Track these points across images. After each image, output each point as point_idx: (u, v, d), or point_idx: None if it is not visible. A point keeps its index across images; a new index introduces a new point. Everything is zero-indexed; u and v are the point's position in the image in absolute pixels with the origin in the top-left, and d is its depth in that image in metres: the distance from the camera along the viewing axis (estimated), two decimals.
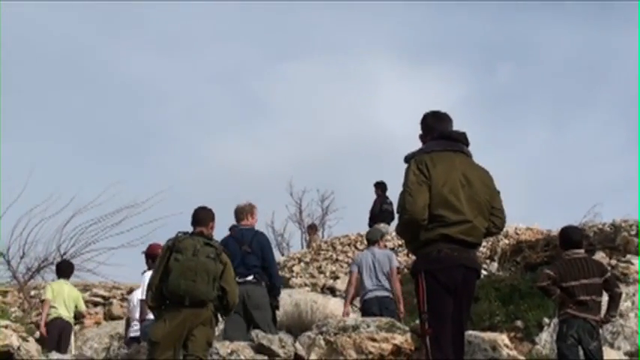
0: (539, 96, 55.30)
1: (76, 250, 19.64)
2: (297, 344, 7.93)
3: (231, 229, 9.34)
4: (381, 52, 57.92)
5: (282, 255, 23.38)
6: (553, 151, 52.05)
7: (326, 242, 21.12)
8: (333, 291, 16.12)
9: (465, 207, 5.50)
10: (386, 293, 10.28)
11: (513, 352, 7.96)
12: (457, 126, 5.96)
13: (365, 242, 19.16)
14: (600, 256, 12.22)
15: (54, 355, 9.26)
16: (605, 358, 7.91)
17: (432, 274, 5.46)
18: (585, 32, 59.19)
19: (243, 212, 9.40)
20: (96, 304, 18.04)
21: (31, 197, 20.38)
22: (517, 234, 17.15)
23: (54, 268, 17.11)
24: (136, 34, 57.41)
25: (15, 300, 18.22)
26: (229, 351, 7.77)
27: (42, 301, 12.65)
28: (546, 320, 10.34)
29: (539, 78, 55.56)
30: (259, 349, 7.83)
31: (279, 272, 11.67)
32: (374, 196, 17.71)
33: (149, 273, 10.48)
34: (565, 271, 7.90)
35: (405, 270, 13.21)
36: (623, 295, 8.75)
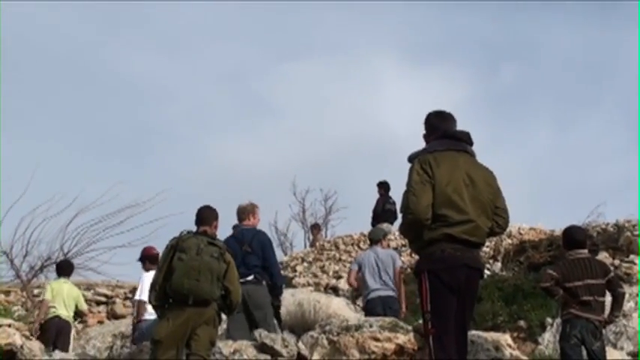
0: (542, 96, 55.28)
1: (79, 249, 19.65)
2: (300, 344, 7.93)
3: (233, 228, 9.34)
4: (384, 51, 57.96)
5: (285, 254, 23.40)
6: (556, 150, 52.04)
7: (329, 242, 21.11)
8: (336, 290, 16.11)
9: (468, 207, 5.50)
10: (390, 293, 10.26)
11: (516, 352, 7.95)
12: (460, 126, 5.96)
13: (366, 241, 19.27)
14: (603, 256, 12.21)
15: (57, 354, 9.27)
16: (608, 358, 7.90)
17: (435, 273, 5.46)
18: (588, 32, 59.16)
19: (244, 212, 9.39)
20: (99, 303, 18.07)
21: (34, 196, 20.41)
22: (520, 234, 17.12)
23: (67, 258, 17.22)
24: (138, 33, 57.51)
25: (18, 299, 18.24)
26: (232, 350, 7.77)
27: (40, 302, 12.68)
28: (549, 320, 10.34)
29: (543, 78, 55.51)
30: (262, 348, 7.83)
31: (282, 272, 11.67)
32: (377, 196, 17.71)
33: (148, 275, 10.59)
34: (568, 271, 7.89)
35: (408, 270, 13.20)
36: (627, 296, 8.74)
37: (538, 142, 52.39)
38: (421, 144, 5.92)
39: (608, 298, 8.01)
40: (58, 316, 11.66)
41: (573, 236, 8.22)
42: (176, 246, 7.16)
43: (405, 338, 7.63)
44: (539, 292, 9.60)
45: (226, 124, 54.94)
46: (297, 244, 27.58)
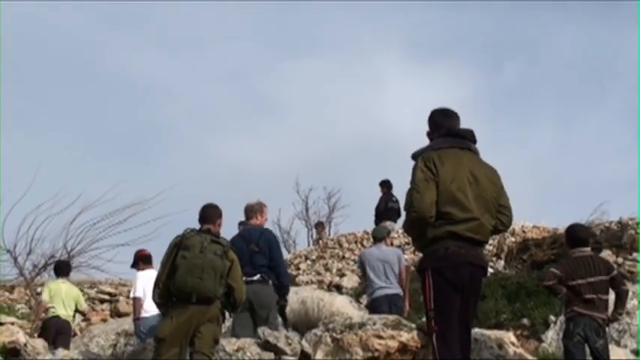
0: (545, 94, 55.35)
1: (83, 248, 19.69)
2: (304, 342, 7.93)
3: (239, 225, 9.34)
4: (388, 49, 58.01)
5: (289, 252, 23.42)
6: (560, 148, 52.12)
7: (332, 240, 21.13)
8: (339, 288, 16.13)
9: (472, 204, 5.50)
10: (395, 291, 10.25)
11: (520, 350, 7.95)
12: (464, 124, 5.96)
13: (369, 239, 19.28)
14: (607, 254, 12.19)
15: (60, 351, 9.28)
16: (611, 355, 7.90)
17: (438, 271, 5.45)
18: (592, 31, 59.20)
19: (252, 211, 9.36)
20: (102, 301, 18.13)
21: (37, 194, 20.45)
22: (524, 232, 17.13)
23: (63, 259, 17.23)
24: (140, 32, 57.62)
25: (22, 297, 18.28)
26: (235, 348, 7.77)
27: (31, 308, 12.76)
28: (552, 318, 10.32)
29: (546, 76, 55.60)
30: (266, 346, 7.83)
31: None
32: (380, 194, 17.74)
33: (142, 273, 10.71)
34: (571, 269, 7.89)
35: (412, 268, 13.19)
36: (630, 294, 8.73)
37: (541, 140, 52.50)
38: (424, 142, 5.92)
39: (611, 296, 8.01)
40: (57, 316, 11.70)
41: (576, 234, 8.21)
42: (179, 244, 7.16)
43: (409, 336, 7.63)
44: (542, 290, 9.58)
45: (229, 122, 55.12)
46: (301, 242, 27.63)
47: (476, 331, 7.52)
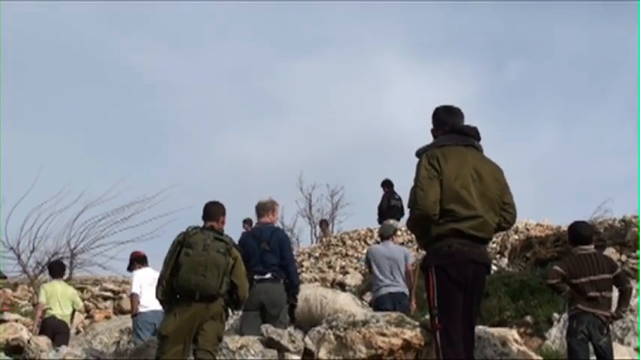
0: (549, 92, 55.37)
1: (86, 245, 19.74)
2: (307, 339, 7.92)
3: (244, 222, 9.35)
4: (391, 48, 58.07)
5: (292, 250, 23.41)
6: (563, 146, 52.16)
7: (335, 237, 21.14)
8: (342, 286, 16.14)
9: (476, 202, 5.50)
10: (400, 289, 10.23)
11: (523, 348, 7.93)
12: (467, 122, 5.96)
13: (372, 237, 19.30)
14: (610, 251, 12.19)
15: (64, 348, 9.29)
16: (614, 353, 7.89)
17: (442, 269, 5.46)
18: (595, 29, 59.16)
19: (264, 209, 9.33)
20: (106, 299, 18.14)
21: (40, 192, 20.52)
22: (527, 229, 17.12)
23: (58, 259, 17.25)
24: (145, 31, 57.68)
25: (25, 294, 18.31)
26: (239, 345, 7.77)
27: (34, 305, 12.83)
28: (556, 316, 10.32)
29: (549, 75, 55.60)
30: (269, 343, 7.83)
31: None
32: (382, 192, 17.77)
33: (139, 271, 10.84)
34: (575, 267, 7.88)
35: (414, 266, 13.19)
36: (634, 291, 8.73)
37: (544, 138, 52.55)
38: (427, 140, 5.92)
39: (615, 294, 8.01)
40: (53, 317, 11.79)
41: (579, 232, 8.20)
42: (183, 241, 7.16)
43: (412, 333, 7.61)
44: (545, 288, 9.58)
45: (232, 120, 55.15)
46: (304, 240, 27.63)
47: (479, 328, 7.51)
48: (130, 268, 11.49)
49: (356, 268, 17.76)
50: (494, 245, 15.78)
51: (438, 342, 5.46)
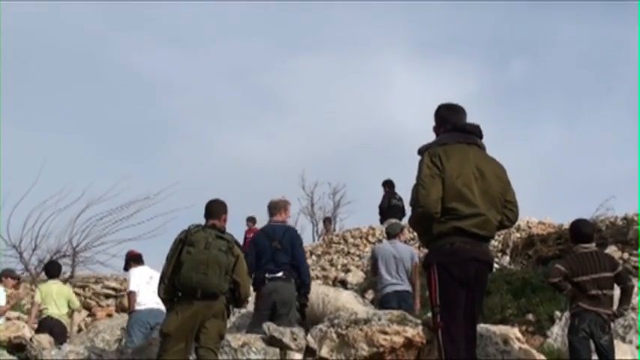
0: (551, 91, 55.32)
1: (88, 243, 19.76)
2: (309, 337, 7.93)
3: (247, 220, 9.35)
4: (394, 46, 58.03)
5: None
6: (565, 145, 52.11)
7: (337, 235, 21.13)
8: (344, 284, 16.12)
9: (478, 200, 5.49)
10: (405, 287, 10.24)
11: (525, 346, 7.93)
12: (469, 120, 5.95)
13: (374, 235, 19.29)
14: (612, 249, 12.18)
15: (66, 346, 9.30)
16: (616, 351, 7.89)
17: (444, 267, 5.46)
18: (597, 27, 59.08)
19: (277, 207, 9.34)
20: (108, 297, 18.13)
21: (43, 190, 20.51)
22: (529, 227, 17.12)
23: (65, 261, 17.28)
24: (147, 29, 57.63)
25: (27, 292, 18.30)
26: (241, 343, 7.78)
27: (31, 305, 12.89)
28: (558, 314, 10.31)
29: (552, 73, 55.52)
30: (271, 341, 7.84)
31: None
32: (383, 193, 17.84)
33: (135, 269, 10.90)
34: (576, 265, 7.87)
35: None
36: (635, 289, 8.72)
37: (547, 137, 52.51)
38: (429, 138, 5.91)
39: (616, 292, 8.00)
40: (49, 316, 11.85)
41: (581, 230, 8.20)
42: (185, 239, 7.16)
43: (414, 332, 7.62)
44: (547, 286, 9.58)
45: (235, 118, 55.08)
46: (306, 238, 27.57)
47: (481, 326, 7.51)
48: (127, 268, 11.57)
49: (358, 266, 17.74)
50: (496, 243, 15.77)
51: (439, 340, 5.46)
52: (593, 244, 8.14)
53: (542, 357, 7.95)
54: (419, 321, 7.89)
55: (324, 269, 18.00)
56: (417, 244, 15.88)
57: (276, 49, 59.78)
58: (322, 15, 57.29)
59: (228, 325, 8.29)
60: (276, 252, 8.84)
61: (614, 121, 54.40)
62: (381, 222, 19.32)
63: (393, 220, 15.61)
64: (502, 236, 15.96)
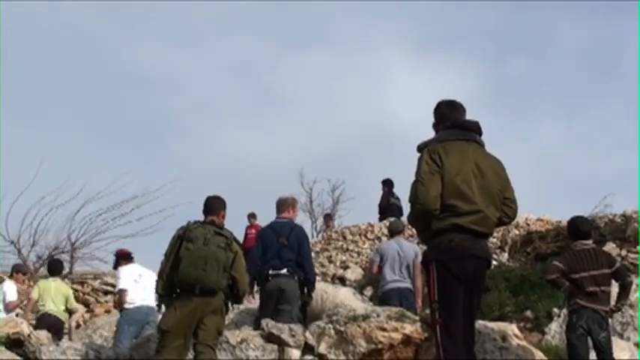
0: (550, 88, 55.34)
1: (87, 239, 19.75)
2: (307, 333, 7.93)
3: (249, 217, 9.37)
4: (393, 43, 57.96)
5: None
6: (564, 142, 52.13)
7: (336, 232, 21.12)
8: (343, 281, 16.13)
9: (477, 197, 5.50)
10: (407, 285, 10.26)
11: (523, 343, 7.93)
12: (469, 117, 5.96)
13: (373, 231, 19.29)
14: (611, 247, 12.20)
15: (64, 342, 9.30)
16: (614, 348, 7.90)
17: (443, 263, 5.47)
18: (596, 25, 59.09)
19: (285, 204, 9.39)
20: (106, 293, 18.12)
21: (41, 186, 20.51)
22: (528, 224, 17.11)
23: (64, 257, 17.27)
24: (147, 25, 57.62)
25: (25, 288, 18.30)
26: (239, 340, 7.78)
27: (27, 300, 12.94)
28: (556, 311, 10.31)
29: (551, 70, 55.51)
30: (269, 338, 7.84)
31: None
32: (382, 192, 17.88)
33: (124, 267, 10.92)
34: (574, 262, 7.89)
35: None
36: (633, 286, 8.73)
37: (546, 134, 52.52)
38: (429, 135, 5.92)
39: (614, 289, 8.01)
40: (47, 313, 11.87)
41: (578, 227, 8.21)
42: (183, 236, 7.17)
43: (412, 328, 7.62)
44: (545, 283, 9.58)
45: (234, 115, 55.07)
46: None
47: (479, 323, 7.51)
48: (116, 266, 11.59)
49: (356, 263, 17.75)
50: (495, 240, 15.77)
51: (438, 336, 5.47)
52: (591, 241, 8.15)
53: (541, 354, 7.95)
54: (417, 318, 7.89)
55: (322, 266, 17.99)
56: (416, 241, 15.91)
57: (276, 45, 59.84)
58: (322, 12, 57.28)
59: (227, 322, 8.29)
60: (282, 248, 8.87)
61: (612, 119, 54.45)
62: (380, 220, 19.37)
63: (393, 219, 15.65)
64: (501, 233, 15.96)
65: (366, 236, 19.48)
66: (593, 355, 7.78)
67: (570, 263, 7.89)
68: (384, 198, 18.67)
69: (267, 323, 7.96)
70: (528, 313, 10.89)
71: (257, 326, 8.52)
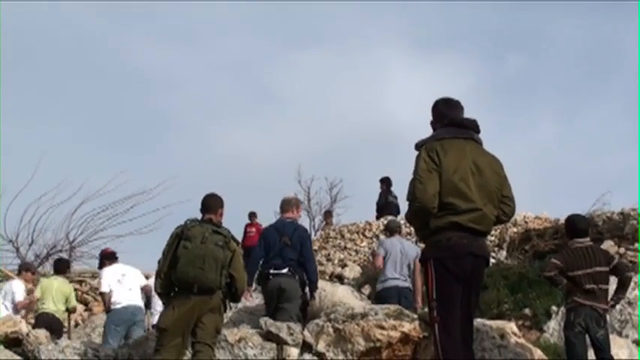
0: (549, 86, 55.23)
1: (85, 238, 19.76)
2: (306, 332, 7.93)
3: (249, 216, 9.39)
4: (392, 41, 57.86)
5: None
6: (562, 140, 52.05)
7: (334, 230, 21.12)
8: (341, 279, 16.12)
9: (475, 195, 5.50)
10: (407, 284, 10.27)
11: (521, 340, 7.94)
12: (466, 115, 5.95)
13: (371, 229, 19.29)
14: (609, 244, 12.19)
15: (63, 341, 9.30)
16: (612, 346, 7.91)
17: (441, 261, 5.47)
18: (594, 23, 58.94)
19: (289, 204, 9.48)
20: None
21: (40, 184, 20.51)
22: (526, 222, 17.10)
23: (63, 256, 17.25)
24: (147, 23, 57.46)
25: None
26: (237, 338, 7.78)
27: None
28: (554, 308, 10.32)
29: (549, 68, 55.40)
30: (267, 336, 7.84)
31: None
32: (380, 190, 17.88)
33: (106, 269, 10.95)
34: (571, 260, 7.89)
35: None
36: (632, 284, 8.73)
37: (544, 132, 52.46)
38: (427, 133, 5.92)
39: (612, 286, 8.02)
40: (46, 312, 11.86)
41: (576, 225, 8.22)
42: (181, 234, 7.16)
43: (411, 326, 7.62)
44: (544, 281, 9.58)
45: (232, 113, 54.95)
46: None
47: (478, 321, 7.52)
48: (101, 266, 11.60)
49: (354, 261, 17.75)
50: (493, 238, 15.77)
51: (436, 334, 5.48)
52: (588, 239, 8.15)
53: (539, 351, 7.96)
54: (416, 316, 7.89)
55: (320, 264, 17.97)
56: (414, 239, 15.91)
57: (274, 44, 59.66)
58: (320, 11, 57.13)
59: (225, 320, 8.29)
60: (284, 247, 8.91)
61: (610, 117, 54.32)
62: (378, 218, 19.38)
63: (391, 217, 15.66)
64: (499, 231, 15.96)
65: (364, 234, 19.48)
66: (591, 352, 7.79)
67: (567, 261, 7.89)
68: (381, 196, 18.68)
69: (266, 322, 7.96)
70: (527, 311, 10.89)
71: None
